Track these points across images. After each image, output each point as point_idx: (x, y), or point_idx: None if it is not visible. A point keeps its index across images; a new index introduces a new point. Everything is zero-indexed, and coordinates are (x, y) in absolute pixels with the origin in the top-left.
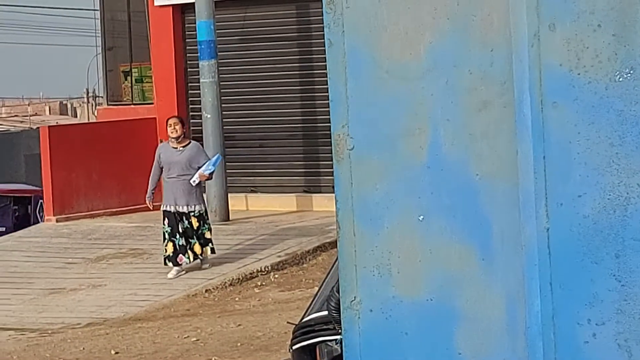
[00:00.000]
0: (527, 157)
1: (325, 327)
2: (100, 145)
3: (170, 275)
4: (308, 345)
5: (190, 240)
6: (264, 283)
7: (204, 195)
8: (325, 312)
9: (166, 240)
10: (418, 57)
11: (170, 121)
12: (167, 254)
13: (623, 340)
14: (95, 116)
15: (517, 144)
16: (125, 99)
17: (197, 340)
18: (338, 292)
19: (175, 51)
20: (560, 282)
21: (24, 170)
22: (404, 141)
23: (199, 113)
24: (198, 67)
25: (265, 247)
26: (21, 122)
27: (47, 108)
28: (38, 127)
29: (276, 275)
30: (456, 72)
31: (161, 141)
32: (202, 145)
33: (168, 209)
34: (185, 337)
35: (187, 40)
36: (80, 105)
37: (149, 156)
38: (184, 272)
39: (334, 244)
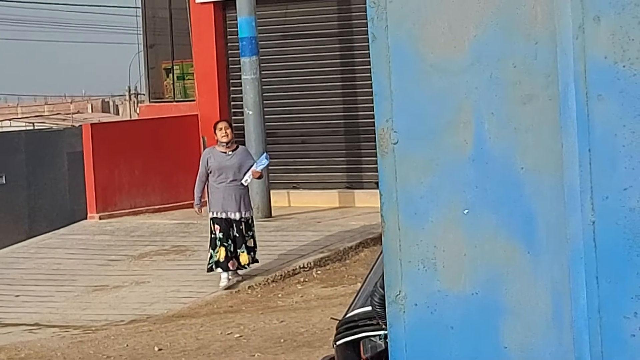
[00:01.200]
0: (572, 150)
1: (368, 322)
2: (142, 142)
3: (222, 285)
4: (352, 340)
5: (238, 248)
6: (306, 279)
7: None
8: (369, 308)
9: (217, 247)
10: (462, 50)
11: (221, 125)
12: (217, 259)
13: None
14: (137, 113)
15: (562, 137)
16: (167, 96)
17: (240, 336)
18: (382, 288)
19: (217, 48)
20: (606, 276)
21: (66, 168)
22: (449, 135)
23: (241, 110)
24: (240, 64)
25: (307, 243)
26: (64, 120)
27: (89, 106)
28: (80, 125)
29: (319, 272)
30: (500, 65)
31: (203, 139)
32: (244, 143)
33: (218, 215)
34: (228, 334)
35: (228, 37)
36: (122, 102)
37: (190, 153)
38: (233, 280)
39: (376, 240)
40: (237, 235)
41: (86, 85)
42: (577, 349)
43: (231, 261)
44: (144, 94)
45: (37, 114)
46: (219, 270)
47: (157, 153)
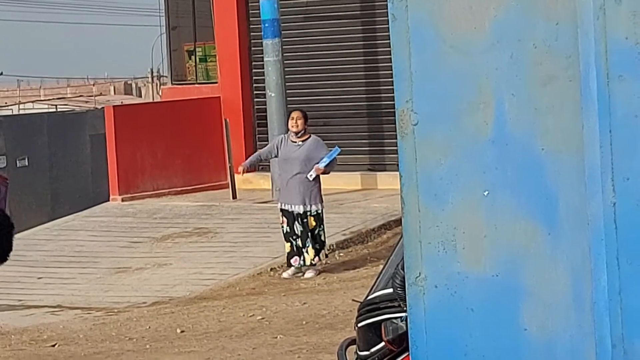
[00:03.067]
0: (593, 131)
1: (390, 304)
2: (165, 124)
3: (285, 275)
4: (373, 322)
5: (306, 242)
6: (328, 261)
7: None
8: (391, 290)
9: (287, 241)
10: (482, 31)
11: (293, 114)
12: (288, 251)
13: None
14: (160, 96)
15: (583, 118)
16: (189, 79)
17: (263, 318)
18: (403, 270)
19: (239, 30)
20: (627, 257)
21: (89, 150)
22: (469, 116)
23: (263, 92)
24: (262, 46)
25: (329, 225)
26: (86, 102)
27: (111, 88)
28: (103, 107)
29: (341, 254)
30: (521, 46)
31: (225, 121)
32: (266, 125)
33: (285, 207)
34: (250, 316)
35: (250, 19)
36: (144, 85)
37: (213, 135)
38: (301, 273)
39: (398, 222)
40: (302, 230)
41: (109, 67)
42: (597, 331)
43: (294, 257)
44: (166, 76)
45: (60, 96)
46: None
47: (179, 135)
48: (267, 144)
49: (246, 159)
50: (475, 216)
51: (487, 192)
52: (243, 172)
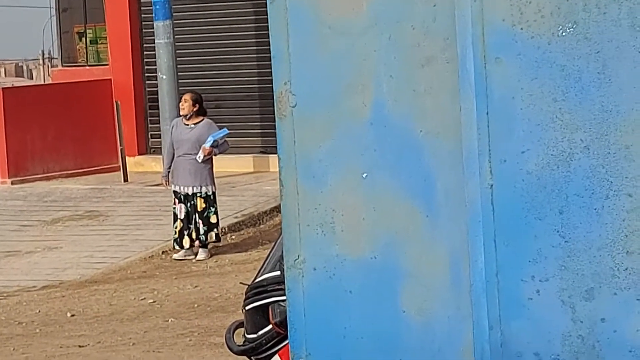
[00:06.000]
0: (470, 113)
1: (277, 287)
2: (55, 107)
3: (175, 256)
4: (261, 305)
5: (191, 223)
6: (220, 244)
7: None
8: (278, 273)
9: (175, 222)
10: (360, 12)
11: (184, 97)
12: (175, 236)
13: (567, 296)
14: (51, 78)
15: (461, 100)
16: (80, 61)
17: (154, 302)
18: None
19: (130, 12)
20: (504, 239)
21: None
22: (347, 98)
23: (155, 74)
24: (153, 28)
25: (221, 208)
26: None
27: (2, 70)
28: None
29: (233, 237)
30: (399, 27)
31: (116, 103)
32: (157, 107)
33: (176, 189)
34: (141, 299)
35: (141, 0)
36: (35, 67)
37: (104, 118)
38: (192, 255)
39: None
40: (191, 210)
41: None
42: (475, 312)
43: (185, 238)
44: (57, 58)
45: None
46: (177, 247)
47: (70, 118)
48: (158, 126)
49: (137, 141)
50: (353, 198)
51: (365, 174)
52: (168, 182)
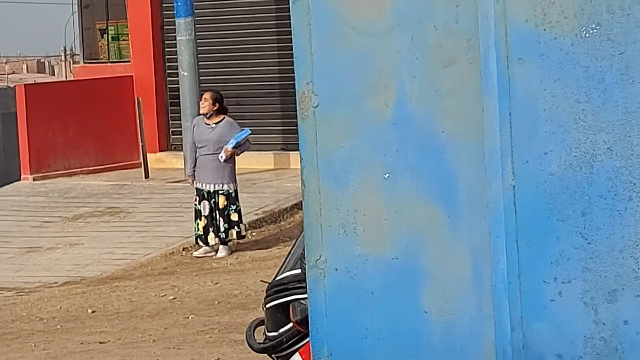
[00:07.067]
0: (492, 113)
1: (298, 285)
2: (77, 103)
3: (196, 254)
4: (282, 303)
5: (214, 220)
6: (241, 241)
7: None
8: (299, 270)
9: (198, 219)
10: (383, 13)
11: (205, 95)
12: (198, 232)
13: (589, 298)
14: (72, 74)
15: (483, 101)
16: (101, 57)
17: (174, 298)
18: None
19: (152, 8)
20: (527, 240)
21: (0, 129)
22: (369, 98)
23: (176, 71)
24: (175, 25)
25: (242, 205)
26: None
27: (24, 66)
28: (15, 86)
29: (253, 234)
30: (421, 28)
31: (137, 100)
32: (179, 104)
33: (198, 186)
34: (162, 296)
35: None
36: (57, 63)
37: (125, 114)
38: (213, 252)
39: None
40: (212, 208)
41: (21, 45)
42: (497, 314)
43: (210, 234)
44: (79, 55)
45: None
46: (200, 243)
47: (91, 114)
48: (179, 123)
49: (159, 137)
50: (375, 199)
51: (387, 175)
52: (193, 181)
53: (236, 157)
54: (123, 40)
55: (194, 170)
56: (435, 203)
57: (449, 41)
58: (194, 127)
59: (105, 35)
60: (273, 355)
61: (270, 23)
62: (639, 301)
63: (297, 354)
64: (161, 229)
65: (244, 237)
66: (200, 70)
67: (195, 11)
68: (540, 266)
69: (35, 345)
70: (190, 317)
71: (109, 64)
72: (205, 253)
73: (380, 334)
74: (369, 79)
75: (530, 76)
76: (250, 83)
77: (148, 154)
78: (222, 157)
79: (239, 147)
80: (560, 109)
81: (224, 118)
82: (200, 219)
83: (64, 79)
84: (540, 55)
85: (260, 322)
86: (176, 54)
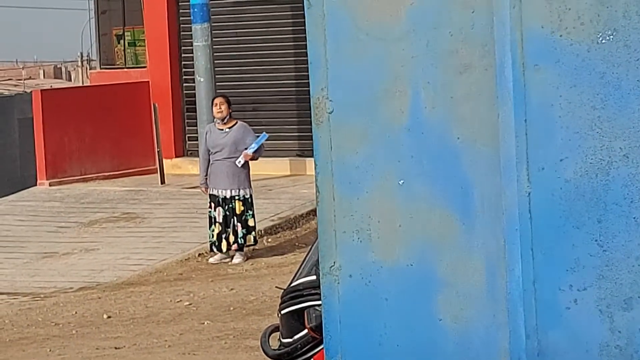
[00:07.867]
0: (508, 120)
1: (313, 291)
2: (93, 109)
3: (212, 260)
4: (296, 310)
5: (228, 227)
6: (256, 247)
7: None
8: (314, 277)
9: (212, 225)
10: (398, 18)
11: (216, 100)
12: (213, 239)
13: (605, 306)
14: (89, 79)
15: (499, 107)
16: (118, 63)
17: (190, 304)
18: None
19: (169, 14)
20: (542, 248)
21: (17, 135)
22: (384, 104)
23: (192, 77)
24: (191, 31)
25: (258, 211)
26: (15, 85)
27: (41, 72)
28: (31, 91)
29: (269, 240)
30: (437, 34)
31: (154, 106)
32: (195, 110)
33: (213, 192)
34: (177, 302)
35: (180, 3)
36: (74, 68)
37: (141, 120)
38: (228, 259)
39: None
40: (229, 214)
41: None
42: (511, 322)
43: (223, 242)
44: (95, 60)
45: None
46: (215, 249)
47: (107, 119)
48: (195, 129)
49: (175, 143)
50: (390, 205)
51: (402, 181)
52: (206, 189)
53: (251, 163)
54: (139, 46)
55: (206, 178)
56: (450, 210)
57: (465, 47)
58: (206, 134)
59: (121, 41)
60: None
61: (286, 29)
62: None
63: None
64: (177, 235)
65: (257, 242)
66: (216, 76)
67: (212, 17)
68: (556, 273)
69: (50, 351)
70: (205, 322)
71: (126, 70)
72: (221, 259)
73: (394, 341)
74: (383, 85)
75: (546, 82)
76: (267, 89)
77: (164, 160)
78: (240, 161)
79: (256, 152)
80: (576, 115)
81: (236, 122)
82: (215, 226)
83: (80, 84)
84: (556, 61)
85: (276, 329)
86: (192, 60)
